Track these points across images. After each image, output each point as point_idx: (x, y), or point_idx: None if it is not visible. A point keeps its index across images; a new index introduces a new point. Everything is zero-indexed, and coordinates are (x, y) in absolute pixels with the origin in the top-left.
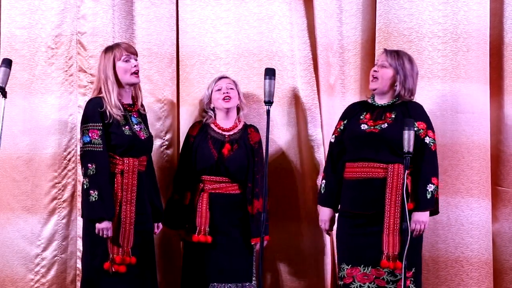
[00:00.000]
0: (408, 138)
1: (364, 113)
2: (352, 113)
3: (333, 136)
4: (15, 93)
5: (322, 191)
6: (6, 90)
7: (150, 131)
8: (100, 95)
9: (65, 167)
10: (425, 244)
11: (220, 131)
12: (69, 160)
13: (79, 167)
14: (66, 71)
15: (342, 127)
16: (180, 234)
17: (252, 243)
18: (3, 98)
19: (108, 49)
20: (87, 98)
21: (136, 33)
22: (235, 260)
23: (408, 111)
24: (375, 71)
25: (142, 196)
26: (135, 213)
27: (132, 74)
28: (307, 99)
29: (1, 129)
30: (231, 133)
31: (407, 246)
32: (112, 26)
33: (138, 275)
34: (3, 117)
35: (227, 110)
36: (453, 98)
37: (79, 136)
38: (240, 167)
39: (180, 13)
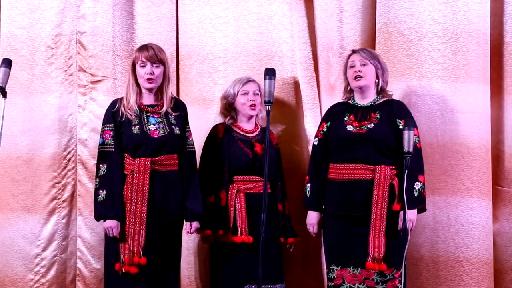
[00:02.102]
0: (408, 138)
1: (348, 115)
2: (334, 115)
3: (316, 138)
4: (15, 93)
5: (308, 195)
6: (6, 90)
7: (179, 130)
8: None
9: (64, 167)
10: (425, 244)
11: (244, 133)
12: (68, 160)
13: (79, 167)
14: (66, 70)
15: (325, 129)
16: (219, 235)
17: (289, 243)
18: (3, 98)
19: (136, 50)
20: (87, 98)
21: (137, 32)
22: (268, 261)
23: (393, 109)
24: (359, 71)
25: (164, 196)
26: (152, 214)
27: (144, 80)
28: (307, 99)
29: (1, 129)
30: (254, 134)
31: (407, 246)
32: (112, 25)
33: (154, 276)
34: (3, 117)
35: (250, 116)
36: (453, 98)
37: (79, 136)
38: (272, 165)
39: (180, 12)
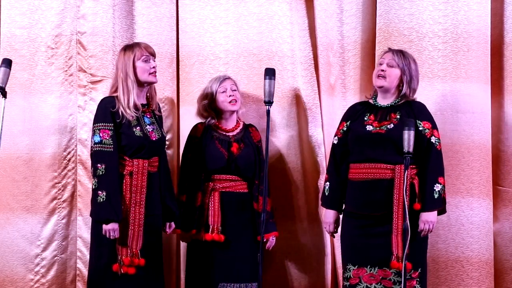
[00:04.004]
0: (408, 138)
1: (368, 114)
2: (355, 114)
3: (336, 137)
4: (15, 93)
5: (326, 193)
6: (6, 90)
7: (164, 132)
8: (114, 94)
9: (65, 167)
10: None
11: (224, 133)
12: (69, 160)
13: (79, 167)
14: (66, 71)
15: (345, 128)
16: (192, 235)
17: (264, 240)
18: (3, 98)
19: (128, 48)
20: (87, 98)
21: (137, 32)
22: (244, 260)
23: (413, 111)
24: (382, 70)
25: (152, 197)
26: (145, 215)
27: (150, 74)
28: (307, 99)
29: (1, 129)
30: (234, 133)
31: (407, 246)
32: (112, 25)
33: (145, 276)
34: (3, 117)
35: (232, 112)
36: (453, 98)
37: (79, 136)
38: (249, 165)
39: (180, 12)
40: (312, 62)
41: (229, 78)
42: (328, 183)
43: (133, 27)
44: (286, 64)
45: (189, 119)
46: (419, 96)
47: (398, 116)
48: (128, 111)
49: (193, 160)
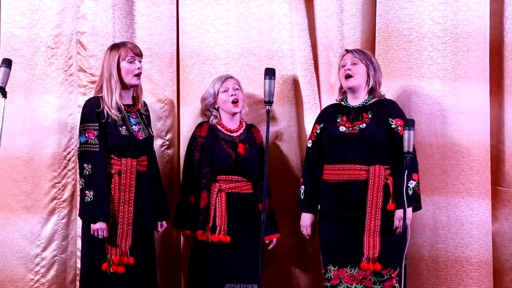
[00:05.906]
0: (408, 138)
1: (340, 116)
2: (327, 117)
3: (310, 140)
4: (15, 93)
5: (302, 197)
6: (6, 90)
7: (152, 131)
8: (99, 95)
9: (64, 167)
10: (425, 244)
11: (228, 133)
12: (69, 160)
13: None
14: (66, 71)
15: (318, 131)
16: (198, 235)
17: (266, 241)
18: (3, 98)
19: (114, 48)
20: (87, 98)
21: (137, 33)
22: (250, 260)
23: (384, 108)
24: (348, 69)
25: (141, 196)
26: (135, 214)
27: (134, 76)
28: (308, 98)
29: (1, 129)
30: (238, 133)
31: (407, 246)
32: (112, 25)
33: (137, 275)
34: (3, 117)
35: (234, 113)
36: (453, 98)
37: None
38: (255, 166)
39: (180, 13)
40: (312, 62)
41: (231, 77)
42: (303, 186)
43: (133, 27)
44: (286, 64)
45: (189, 119)
46: (418, 96)
47: (370, 116)
48: (113, 111)
49: (199, 161)
